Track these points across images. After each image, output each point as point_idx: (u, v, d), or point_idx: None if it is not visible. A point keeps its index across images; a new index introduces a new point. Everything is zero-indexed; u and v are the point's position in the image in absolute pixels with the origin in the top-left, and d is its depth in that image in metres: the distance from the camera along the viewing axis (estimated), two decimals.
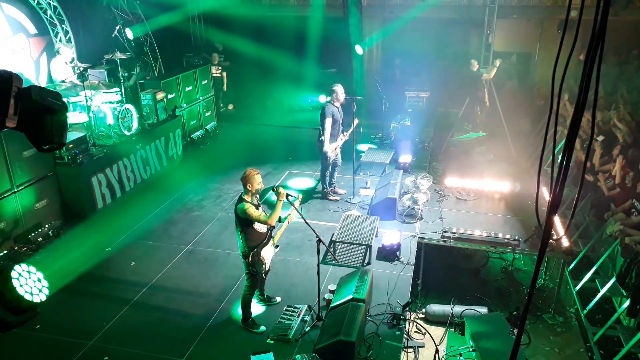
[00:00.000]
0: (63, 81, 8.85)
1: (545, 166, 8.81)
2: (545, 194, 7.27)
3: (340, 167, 8.74)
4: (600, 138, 8.62)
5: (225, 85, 14.20)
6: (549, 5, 13.44)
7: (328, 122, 8.03)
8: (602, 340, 6.12)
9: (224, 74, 14.04)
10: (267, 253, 5.35)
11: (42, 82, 9.66)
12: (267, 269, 5.48)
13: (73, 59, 9.38)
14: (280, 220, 5.47)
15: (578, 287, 7.03)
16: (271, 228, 5.43)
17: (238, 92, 14.83)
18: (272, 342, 5.30)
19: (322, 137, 8.14)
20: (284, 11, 15.21)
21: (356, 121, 8.57)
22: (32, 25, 9.62)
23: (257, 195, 5.33)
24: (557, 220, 7.47)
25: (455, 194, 8.68)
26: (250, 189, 5.16)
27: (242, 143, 11.90)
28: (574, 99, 10.45)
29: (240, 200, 5.15)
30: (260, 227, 5.23)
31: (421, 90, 13.29)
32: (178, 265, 6.81)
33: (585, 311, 6.60)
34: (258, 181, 5.18)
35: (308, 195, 8.86)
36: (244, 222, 5.14)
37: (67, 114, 2.86)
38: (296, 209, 5.29)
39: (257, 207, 5.21)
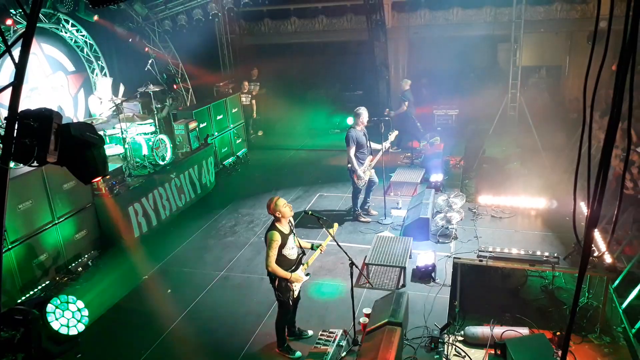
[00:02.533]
0: (100, 115, 9.18)
1: (582, 180, 8.56)
2: (584, 209, 7.06)
3: (377, 185, 8.69)
4: None
5: (254, 112, 14.45)
6: (577, 17, 13.26)
7: (352, 150, 8.08)
8: None
9: (254, 101, 14.31)
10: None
11: (80, 117, 10.05)
12: (295, 296, 5.41)
13: (111, 95, 9.76)
14: (312, 248, 5.48)
15: (624, 305, 6.71)
16: (302, 255, 5.40)
17: (267, 119, 15.07)
18: None
19: (349, 165, 8.17)
20: (309, 37, 15.47)
21: (395, 133, 8.58)
22: (70, 63, 10.07)
23: (291, 219, 5.32)
24: (598, 236, 7.23)
25: (489, 212, 8.50)
26: (280, 215, 5.14)
27: (272, 168, 12.05)
28: (604, 113, 10.21)
29: (272, 227, 5.14)
30: (289, 253, 5.21)
31: (450, 108, 13.21)
32: (213, 292, 6.86)
33: (634, 330, 6.29)
34: (282, 204, 5.13)
35: (339, 217, 8.84)
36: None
37: (104, 146, 2.97)
38: (329, 234, 5.28)
39: (287, 234, 5.17)
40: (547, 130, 11.62)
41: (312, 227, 7.68)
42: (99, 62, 10.58)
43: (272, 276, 5.18)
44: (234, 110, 12.79)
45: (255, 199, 9.99)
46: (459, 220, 7.95)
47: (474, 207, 8.65)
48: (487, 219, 8.31)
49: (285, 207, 5.16)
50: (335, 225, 5.70)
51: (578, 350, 6.36)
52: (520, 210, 8.48)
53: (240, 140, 13.05)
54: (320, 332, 5.70)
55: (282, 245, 5.10)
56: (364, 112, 8.24)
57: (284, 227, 5.18)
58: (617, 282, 6.97)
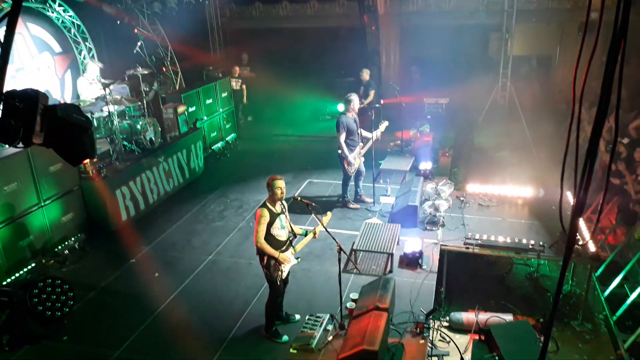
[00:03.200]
0: (87, 98, 9.06)
1: (570, 170, 8.65)
2: (570, 199, 7.14)
3: (364, 176, 8.71)
4: (626, 140, 8.44)
5: (245, 97, 14.34)
6: (569, 7, 13.27)
7: (342, 136, 8.09)
8: (634, 348, 5.94)
9: (244, 86, 14.19)
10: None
11: (67, 99, 9.89)
12: (283, 277, 5.48)
13: (97, 76, 9.61)
14: (304, 234, 5.55)
15: (606, 293, 6.85)
16: (292, 237, 5.47)
17: (257, 104, 14.96)
18: (295, 351, 5.29)
19: (340, 151, 8.18)
20: (300, 22, 15.33)
21: (385, 123, 8.59)
22: (57, 44, 9.88)
23: (284, 202, 5.39)
24: (582, 225, 7.33)
25: (477, 200, 8.58)
26: (270, 193, 5.27)
27: (262, 154, 12.01)
28: (593, 104, 10.32)
29: (263, 204, 5.28)
30: (278, 234, 5.28)
31: (440, 96, 13.22)
32: (201, 276, 6.87)
33: (614, 317, 6.43)
34: (277, 186, 5.23)
35: (329, 204, 8.85)
36: None
37: (92, 128, 2.93)
38: (317, 219, 5.31)
39: (277, 214, 5.26)
40: (536, 120, 11.70)
41: (301, 214, 7.68)
42: (87, 44, 10.40)
43: (261, 254, 5.24)
44: (223, 95, 12.68)
45: (244, 185, 9.97)
46: (446, 208, 8.00)
47: (462, 196, 8.71)
48: (474, 207, 8.38)
49: (278, 189, 5.24)
50: (329, 214, 5.79)
51: (560, 337, 6.50)
52: (508, 199, 8.56)
53: (229, 125, 12.96)
54: (308, 317, 5.75)
55: (270, 224, 5.19)
56: (355, 99, 8.23)
57: (275, 206, 5.29)
58: (600, 270, 7.10)
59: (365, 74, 11.93)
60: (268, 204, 5.25)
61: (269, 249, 5.18)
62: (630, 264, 6.77)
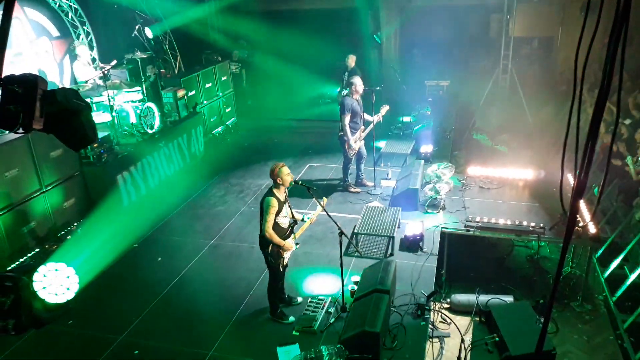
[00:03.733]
0: (86, 82, 9.01)
1: (570, 152, 8.63)
2: (571, 181, 7.15)
3: (366, 159, 8.70)
4: (628, 121, 8.41)
5: (244, 81, 14.25)
6: None
7: (347, 118, 8.03)
8: (633, 328, 6.00)
9: (243, 70, 14.09)
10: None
11: (66, 84, 9.83)
12: (285, 264, 5.50)
13: (95, 59, 9.54)
14: (303, 220, 5.56)
15: (606, 274, 6.89)
16: (293, 223, 5.48)
17: (257, 88, 14.87)
18: (298, 333, 5.35)
19: (341, 133, 8.15)
20: (299, 4, 15.15)
21: (386, 107, 8.55)
22: (55, 28, 9.79)
23: (286, 190, 5.37)
24: (583, 206, 7.35)
25: (478, 183, 8.59)
26: (280, 182, 5.21)
27: (262, 138, 11.98)
28: (594, 86, 10.21)
29: (269, 193, 5.21)
30: (282, 221, 5.27)
31: (441, 79, 13.13)
32: (203, 260, 6.91)
33: (614, 298, 6.48)
34: (286, 173, 5.22)
35: (330, 187, 8.87)
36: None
37: (92, 113, 2.92)
38: (319, 203, 5.32)
39: (283, 202, 5.25)
40: (537, 102, 11.63)
41: (300, 198, 7.70)
42: (85, 28, 10.31)
43: (266, 242, 5.24)
44: (223, 79, 12.61)
45: (245, 169, 9.97)
46: (447, 191, 8.02)
47: (463, 178, 8.71)
48: (475, 190, 8.40)
49: (288, 175, 5.23)
50: (325, 199, 5.80)
51: (560, 318, 6.56)
52: (509, 181, 8.57)
53: (229, 109, 12.91)
54: (310, 299, 5.80)
55: (277, 213, 5.18)
56: (358, 81, 8.16)
57: (281, 194, 5.26)
58: (600, 252, 7.13)
59: (351, 60, 11.03)
60: (275, 193, 5.20)
61: (277, 239, 5.17)
62: (630, 245, 6.80)
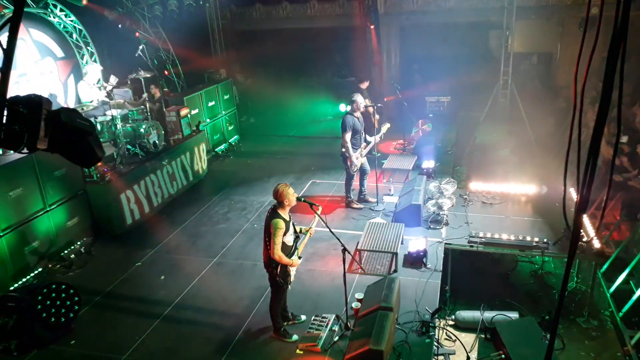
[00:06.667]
0: (90, 102, 9.10)
1: (573, 167, 8.63)
2: (573, 195, 7.13)
3: (369, 174, 8.70)
4: (625, 139, 8.41)
5: (248, 101, 14.37)
6: (569, 4, 13.24)
7: (348, 135, 8.07)
8: None
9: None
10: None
11: (70, 104, 9.93)
12: (291, 280, 5.48)
13: (99, 80, 9.64)
14: (302, 233, 5.53)
15: (612, 290, 6.83)
16: (296, 239, 5.44)
17: (259, 105, 14.99)
18: (302, 352, 5.30)
19: (343, 149, 8.17)
20: (301, 23, 15.35)
21: (387, 125, 8.58)
22: (59, 49, 9.93)
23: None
24: (587, 221, 7.32)
25: (480, 198, 8.57)
26: (287, 203, 5.17)
27: (264, 155, 12.03)
28: (595, 100, 10.24)
29: (275, 214, 5.13)
30: (288, 240, 5.23)
31: (441, 95, 13.22)
32: (206, 278, 6.88)
33: (620, 314, 6.41)
34: (292, 193, 5.18)
35: (332, 204, 8.86)
36: None
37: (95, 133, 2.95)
38: (322, 219, 5.31)
39: (289, 221, 5.20)
40: (537, 117, 11.67)
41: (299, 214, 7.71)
42: (89, 48, 10.44)
43: (274, 263, 5.19)
44: (225, 97, 12.72)
45: (247, 186, 9.99)
46: (450, 207, 8.01)
47: (465, 194, 8.71)
48: (478, 205, 8.38)
49: (293, 195, 5.21)
50: (320, 207, 5.62)
51: (566, 334, 6.49)
52: (511, 196, 8.56)
53: (232, 127, 12.99)
54: (313, 317, 5.76)
55: (284, 233, 5.12)
56: (358, 98, 8.22)
57: (285, 214, 5.20)
58: (605, 266, 7.08)
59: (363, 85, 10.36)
60: (281, 213, 5.15)
61: (286, 259, 5.13)
62: (636, 259, 6.74)
